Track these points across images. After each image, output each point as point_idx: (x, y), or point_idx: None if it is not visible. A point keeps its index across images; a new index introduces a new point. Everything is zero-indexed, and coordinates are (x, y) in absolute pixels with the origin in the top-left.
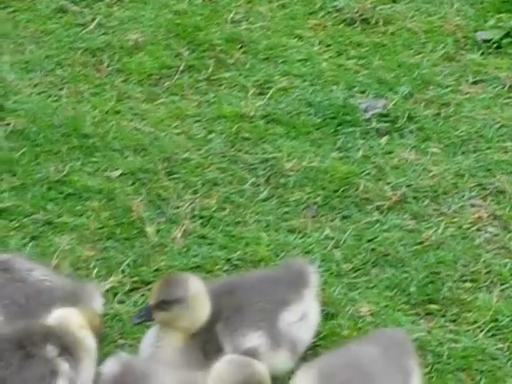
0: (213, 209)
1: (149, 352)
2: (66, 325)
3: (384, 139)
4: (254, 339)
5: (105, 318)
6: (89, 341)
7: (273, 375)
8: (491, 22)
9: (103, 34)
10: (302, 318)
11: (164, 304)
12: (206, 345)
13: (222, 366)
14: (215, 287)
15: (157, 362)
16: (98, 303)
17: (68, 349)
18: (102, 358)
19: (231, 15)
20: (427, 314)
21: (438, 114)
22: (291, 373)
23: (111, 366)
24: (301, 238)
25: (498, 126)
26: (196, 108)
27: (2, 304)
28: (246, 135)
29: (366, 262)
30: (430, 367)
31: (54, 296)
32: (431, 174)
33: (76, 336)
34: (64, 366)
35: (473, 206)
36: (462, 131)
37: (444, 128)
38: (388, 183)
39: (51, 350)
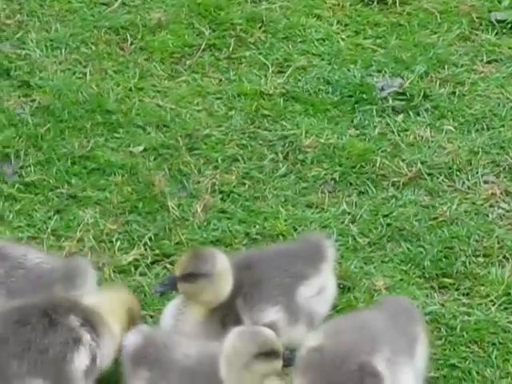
0: (233, 184)
1: (169, 324)
2: (94, 304)
3: (400, 117)
4: (272, 314)
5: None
6: (114, 323)
7: (290, 348)
8: (506, 3)
9: (127, 12)
10: (320, 292)
11: (190, 276)
12: (225, 319)
13: (235, 338)
14: (235, 262)
15: (177, 334)
16: (91, 279)
17: (90, 322)
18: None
19: None
20: (441, 287)
21: (453, 93)
22: None
23: (132, 338)
24: (318, 213)
25: (511, 104)
26: (217, 85)
27: (11, 294)
28: (266, 112)
29: (382, 237)
30: (443, 339)
31: (53, 277)
32: (446, 151)
33: (101, 315)
34: (86, 336)
35: (486, 182)
36: (476, 109)
37: (458, 106)
38: (403, 160)
39: (74, 320)
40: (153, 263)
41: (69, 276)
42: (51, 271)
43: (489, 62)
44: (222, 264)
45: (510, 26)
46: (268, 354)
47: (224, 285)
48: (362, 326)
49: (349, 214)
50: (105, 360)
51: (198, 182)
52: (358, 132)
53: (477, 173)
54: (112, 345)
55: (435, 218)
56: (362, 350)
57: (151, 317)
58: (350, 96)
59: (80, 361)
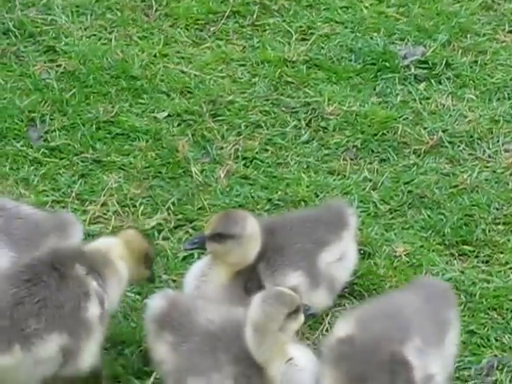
0: (255, 150)
1: (193, 285)
2: (99, 249)
3: (422, 85)
4: (294, 278)
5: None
6: (120, 265)
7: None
8: None
9: None
10: (341, 258)
11: (219, 237)
12: (247, 283)
13: (262, 304)
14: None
15: (201, 298)
16: (79, 230)
17: (95, 268)
18: (147, 293)
19: None
20: (461, 254)
21: (475, 62)
22: (328, 310)
23: (157, 301)
24: (340, 180)
25: None
26: (240, 52)
27: (12, 240)
28: (289, 79)
29: (403, 204)
30: (462, 306)
31: (48, 226)
32: (467, 119)
33: (106, 257)
34: (93, 283)
35: (507, 151)
36: (497, 78)
37: (480, 75)
38: (425, 128)
39: (80, 269)
40: (175, 228)
41: (61, 226)
42: (44, 220)
43: (511, 32)
44: (252, 227)
45: None
46: (295, 310)
47: (252, 248)
48: (392, 313)
49: (370, 180)
50: (113, 303)
51: (221, 148)
52: (380, 100)
53: (497, 141)
54: (119, 288)
55: (456, 186)
56: (392, 340)
57: (174, 281)
58: (373, 64)
59: (92, 311)
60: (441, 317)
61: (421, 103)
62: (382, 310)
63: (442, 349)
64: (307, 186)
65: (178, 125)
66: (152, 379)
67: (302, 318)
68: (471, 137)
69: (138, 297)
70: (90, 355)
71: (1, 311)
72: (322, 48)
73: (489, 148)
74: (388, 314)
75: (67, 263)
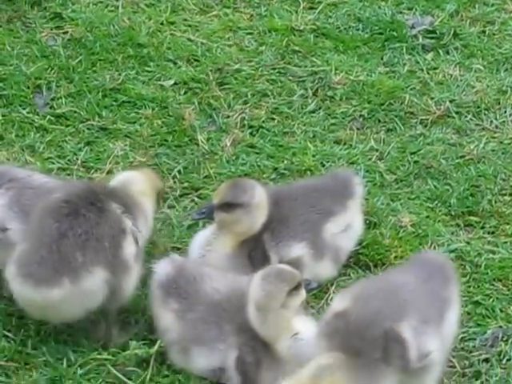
0: (262, 119)
1: (197, 254)
2: (126, 187)
3: (429, 55)
4: (298, 249)
5: (155, 221)
6: (146, 203)
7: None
8: None
9: None
10: (346, 228)
11: (227, 206)
12: (252, 253)
13: (262, 283)
14: None
15: (206, 265)
16: None
17: (128, 207)
18: (152, 260)
19: None
20: (467, 225)
21: (483, 32)
22: (333, 279)
23: (163, 266)
24: (346, 149)
25: None
26: (248, 21)
27: (24, 212)
28: (296, 48)
29: (409, 174)
30: (468, 277)
31: None
32: (474, 89)
33: (134, 197)
34: (128, 223)
35: None
36: (505, 49)
37: (488, 45)
38: (432, 98)
39: (116, 208)
40: (181, 196)
41: None
42: (56, 188)
43: None
44: (260, 196)
45: None
46: (296, 287)
47: (259, 216)
48: (390, 290)
49: (376, 150)
50: (143, 242)
51: (228, 117)
52: (387, 69)
53: (505, 112)
54: (146, 226)
55: (462, 157)
56: (387, 317)
57: (178, 249)
58: (381, 33)
59: (129, 248)
60: (441, 294)
61: (428, 73)
62: (379, 287)
63: (440, 327)
64: (313, 156)
65: (185, 93)
66: (156, 347)
67: (303, 293)
68: (478, 107)
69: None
70: (128, 291)
71: (47, 245)
72: (330, 17)
73: (496, 119)
74: (385, 292)
75: (103, 200)
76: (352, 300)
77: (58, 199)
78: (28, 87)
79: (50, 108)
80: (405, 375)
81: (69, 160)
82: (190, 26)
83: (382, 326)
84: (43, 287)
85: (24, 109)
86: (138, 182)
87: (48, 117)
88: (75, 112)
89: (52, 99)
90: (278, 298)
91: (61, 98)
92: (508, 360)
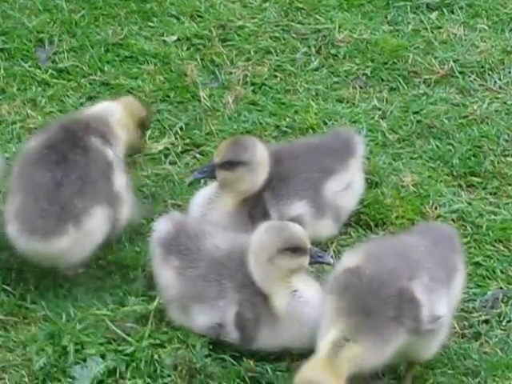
0: (264, 76)
1: (198, 212)
2: (104, 116)
3: (434, 14)
4: (299, 208)
5: (156, 178)
6: (120, 132)
7: (316, 241)
8: None
9: None
10: (347, 187)
11: (229, 164)
12: (253, 211)
13: (262, 232)
14: None
15: (207, 223)
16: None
17: (106, 137)
18: (153, 218)
19: None
20: (468, 185)
21: None
22: (333, 238)
23: (164, 223)
24: (349, 108)
25: None
26: None
27: None
28: (300, 5)
29: (412, 134)
30: (469, 237)
31: None
32: (479, 49)
33: (110, 125)
34: (111, 153)
35: None
36: (510, 9)
37: (493, 5)
38: (436, 57)
39: (96, 142)
40: (183, 152)
41: None
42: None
43: None
44: (261, 153)
45: None
46: (293, 249)
47: (261, 174)
48: (402, 250)
49: (379, 109)
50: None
51: (230, 73)
52: (391, 28)
53: (509, 72)
54: (122, 147)
55: (465, 117)
56: (401, 275)
57: (179, 206)
58: None
59: (118, 179)
60: (448, 261)
61: (432, 32)
62: (391, 247)
63: (448, 291)
64: (315, 114)
65: (187, 49)
66: (156, 303)
67: (303, 260)
68: (482, 67)
69: (143, 221)
70: (124, 220)
71: (45, 196)
72: None
73: (500, 79)
74: (398, 251)
75: (84, 137)
76: (365, 257)
77: (39, 146)
78: (30, 41)
79: (52, 62)
80: (414, 337)
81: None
82: None
83: (396, 285)
84: (50, 238)
85: (26, 63)
86: (115, 112)
87: (50, 71)
88: (77, 67)
89: (54, 53)
90: (267, 252)
91: (63, 52)
92: (508, 321)
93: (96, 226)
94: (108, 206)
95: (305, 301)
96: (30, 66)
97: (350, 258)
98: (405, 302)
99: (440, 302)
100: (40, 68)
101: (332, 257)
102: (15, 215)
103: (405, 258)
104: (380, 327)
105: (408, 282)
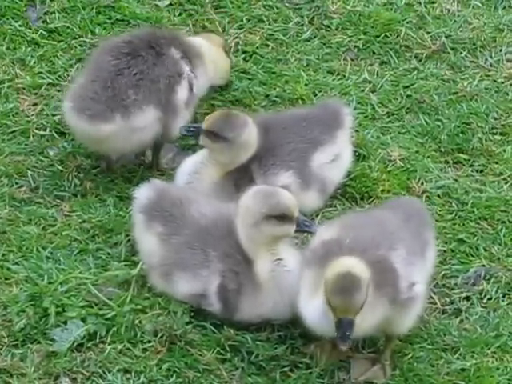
0: (256, 45)
1: (185, 180)
2: (193, 42)
3: None
4: (285, 178)
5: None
6: (207, 58)
7: (302, 212)
8: None
9: None
10: (334, 159)
11: (213, 135)
12: (239, 181)
13: (249, 196)
14: None
15: (192, 190)
16: None
17: (188, 54)
18: (137, 182)
19: None
20: (455, 162)
21: None
22: (319, 210)
23: (144, 191)
24: (339, 80)
25: None
26: None
27: None
28: None
29: (401, 108)
30: (453, 214)
31: None
32: (471, 26)
33: (196, 47)
34: (185, 67)
35: (509, 60)
36: None
37: None
38: (428, 32)
39: (175, 53)
40: None
41: None
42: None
43: None
44: (248, 134)
45: None
46: (279, 217)
47: (243, 154)
48: (378, 223)
49: (369, 82)
50: (201, 90)
51: None
52: (385, 1)
53: (500, 50)
54: (206, 77)
55: (455, 93)
56: (380, 246)
57: (162, 174)
58: None
59: (182, 92)
60: (421, 234)
61: (426, 7)
62: (366, 220)
63: (423, 263)
64: (306, 85)
65: (179, 14)
66: (138, 269)
67: (289, 228)
68: (474, 44)
69: (127, 185)
70: (174, 133)
71: (103, 82)
72: None
73: (491, 57)
74: (373, 223)
75: (163, 44)
76: (341, 229)
77: (119, 40)
78: (21, 0)
79: (43, 22)
80: (392, 308)
81: (59, 76)
82: None
83: (375, 254)
84: (96, 122)
85: (16, 22)
86: (203, 39)
87: (40, 31)
88: (68, 28)
89: (45, 13)
90: (253, 216)
91: (54, 12)
92: (489, 299)
93: (145, 122)
94: (162, 111)
95: (288, 269)
96: (20, 26)
97: (326, 231)
98: (385, 271)
99: (416, 271)
100: (30, 28)
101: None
102: (72, 93)
103: (381, 229)
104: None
105: (387, 252)
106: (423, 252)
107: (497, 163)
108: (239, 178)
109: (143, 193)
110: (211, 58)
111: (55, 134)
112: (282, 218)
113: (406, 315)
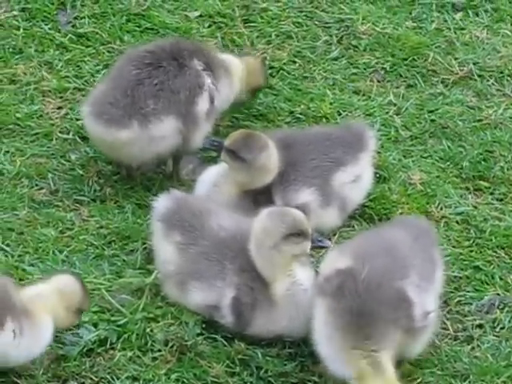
0: (283, 61)
1: (204, 191)
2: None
3: (459, 15)
4: (306, 195)
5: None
6: (234, 78)
7: (319, 231)
8: None
9: None
10: (355, 179)
11: (232, 153)
12: (258, 196)
13: (265, 218)
14: (275, 139)
15: (212, 201)
16: None
17: (210, 66)
18: (157, 191)
19: None
20: (476, 189)
21: None
22: (336, 229)
23: (163, 200)
24: (364, 101)
25: None
26: None
27: None
28: None
29: (424, 132)
30: (471, 241)
31: None
32: (500, 54)
33: (222, 60)
34: (207, 79)
35: None
36: None
37: None
38: (456, 58)
39: (197, 64)
40: None
41: None
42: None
43: None
44: (267, 159)
45: None
46: (297, 234)
47: (260, 177)
48: (390, 248)
49: (395, 105)
50: (223, 103)
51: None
52: (414, 24)
53: None
54: (229, 90)
55: (480, 120)
56: (394, 277)
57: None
58: None
59: (203, 104)
60: (429, 254)
61: (455, 33)
62: (378, 245)
63: (433, 285)
64: (331, 103)
65: (209, 26)
66: (153, 277)
67: (306, 245)
68: (501, 72)
69: (147, 193)
70: (194, 145)
71: (123, 90)
72: None
73: None
74: (385, 250)
75: (186, 56)
76: (355, 258)
77: (143, 49)
78: (52, 3)
79: (73, 27)
80: (405, 336)
81: (86, 81)
82: None
83: (392, 286)
84: (113, 127)
85: (46, 25)
86: (234, 64)
87: (69, 35)
88: (97, 33)
89: (75, 18)
90: (272, 237)
91: (84, 17)
92: (502, 328)
93: (164, 132)
94: (182, 122)
95: (304, 288)
96: (49, 29)
97: (340, 258)
98: (401, 302)
99: (429, 298)
100: (60, 31)
101: (330, 239)
102: (92, 98)
103: (393, 256)
104: (378, 329)
105: (401, 281)
106: (433, 273)
107: None
108: (259, 192)
109: (163, 202)
110: (239, 74)
111: (78, 139)
112: (300, 235)
113: (418, 342)
